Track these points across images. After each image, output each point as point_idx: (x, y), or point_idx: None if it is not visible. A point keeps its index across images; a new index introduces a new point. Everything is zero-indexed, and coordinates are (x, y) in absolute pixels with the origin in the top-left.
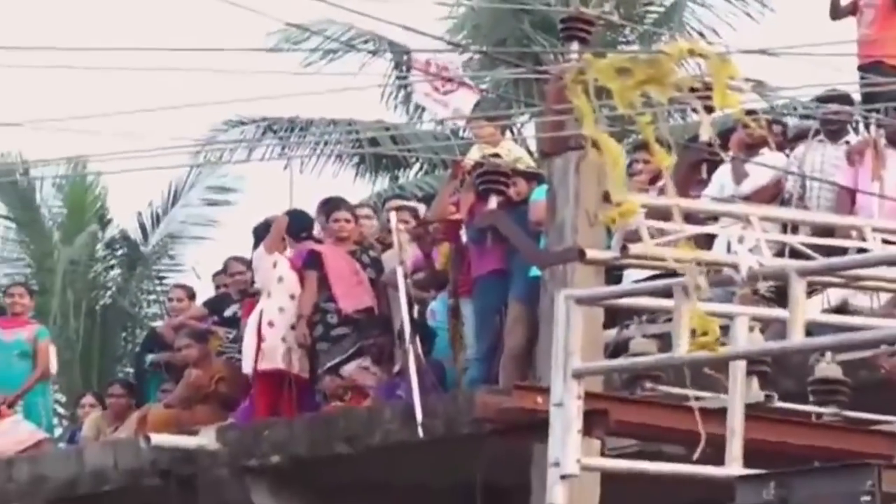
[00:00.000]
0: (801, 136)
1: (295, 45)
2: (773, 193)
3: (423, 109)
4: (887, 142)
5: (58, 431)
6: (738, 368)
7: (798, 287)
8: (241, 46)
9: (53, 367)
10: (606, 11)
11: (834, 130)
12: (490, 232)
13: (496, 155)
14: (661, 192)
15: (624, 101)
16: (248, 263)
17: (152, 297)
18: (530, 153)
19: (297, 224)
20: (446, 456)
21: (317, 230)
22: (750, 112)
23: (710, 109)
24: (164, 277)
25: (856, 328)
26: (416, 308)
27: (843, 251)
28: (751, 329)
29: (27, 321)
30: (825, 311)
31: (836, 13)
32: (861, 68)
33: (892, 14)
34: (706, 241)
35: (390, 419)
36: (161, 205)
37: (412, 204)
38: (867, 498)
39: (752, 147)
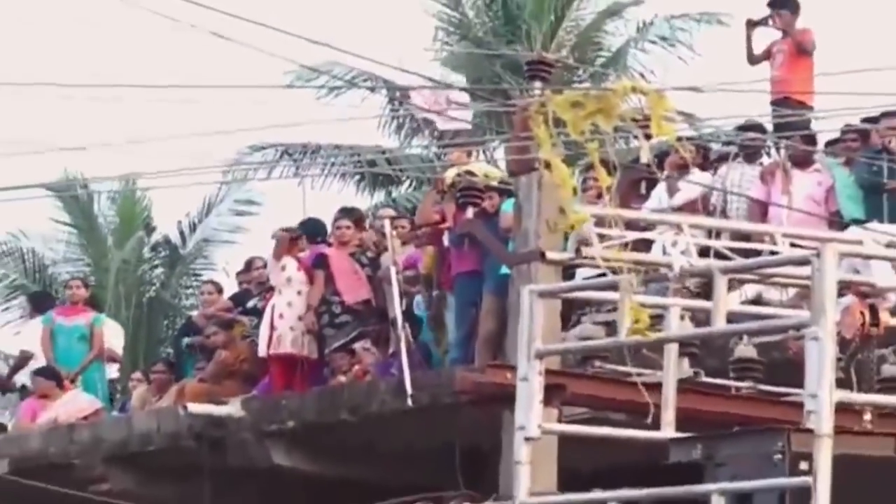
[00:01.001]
0: (724, 158)
1: (307, 83)
2: (700, 205)
3: (414, 136)
4: (793, 164)
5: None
6: (672, 350)
7: (720, 283)
8: (261, 83)
9: (119, 348)
10: (563, 56)
11: (750, 154)
12: (467, 237)
13: (471, 173)
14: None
15: (576, 129)
16: (265, 264)
17: (189, 290)
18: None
19: (312, 230)
20: (431, 422)
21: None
22: (681, 139)
23: (648, 136)
24: (199, 275)
25: (768, 317)
26: (405, 300)
27: (757, 253)
28: (682, 318)
29: (84, 309)
30: (743, 302)
31: (753, 60)
32: (773, 103)
33: (797, 58)
34: (646, 245)
35: (385, 392)
36: (197, 214)
37: (390, 212)
38: (779, 456)
39: (683, 167)
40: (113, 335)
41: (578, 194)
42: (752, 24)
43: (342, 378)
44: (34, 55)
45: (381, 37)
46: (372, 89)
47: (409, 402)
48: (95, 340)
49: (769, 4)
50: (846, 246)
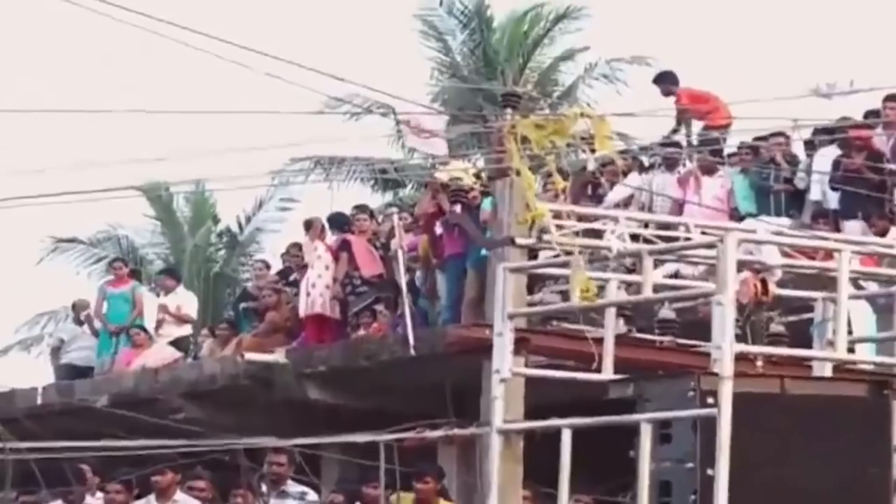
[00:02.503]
0: (651, 167)
1: (334, 110)
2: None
3: (414, 150)
4: (703, 171)
5: None
6: (611, 312)
7: (648, 262)
8: (300, 110)
9: (193, 312)
10: (528, 90)
11: (670, 164)
12: (456, 227)
13: (459, 179)
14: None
15: (539, 145)
16: (301, 247)
17: (245, 268)
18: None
19: (338, 222)
20: (428, 367)
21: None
22: (619, 152)
23: (593, 151)
24: (252, 255)
25: (683, 287)
26: (408, 275)
27: (675, 239)
28: (619, 288)
29: (127, 280)
30: (665, 276)
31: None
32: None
33: (700, 96)
34: (592, 233)
35: (393, 344)
36: (251, 210)
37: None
38: (692, 393)
39: (620, 174)
40: (188, 302)
41: (540, 194)
42: (665, 95)
43: (361, 333)
44: (121, 84)
45: (389, 74)
46: (384, 114)
47: (412, 351)
48: (137, 303)
49: (654, 81)
50: (743, 234)
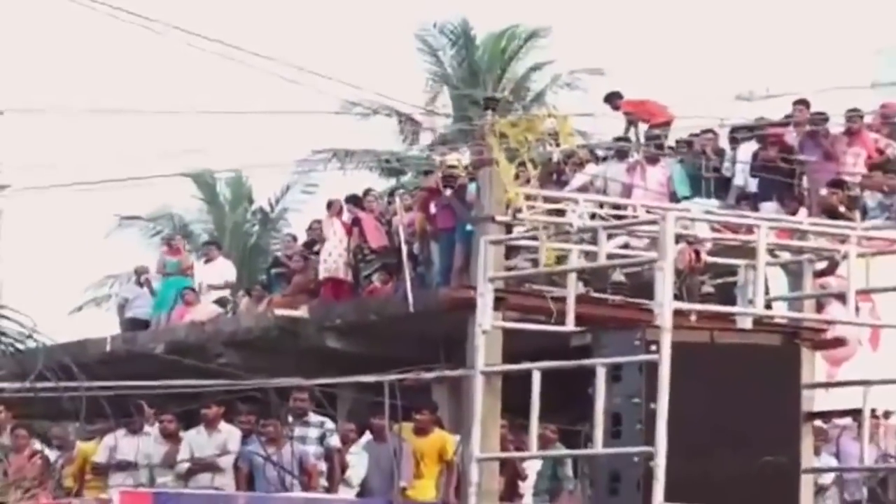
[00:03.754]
0: (605, 158)
1: (349, 111)
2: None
3: (412, 144)
4: (647, 161)
5: None
6: (572, 276)
7: (603, 235)
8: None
9: (232, 277)
10: (506, 95)
11: (621, 155)
12: (447, 206)
13: (453, 166)
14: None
15: (514, 141)
16: (321, 223)
17: (275, 240)
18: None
19: (353, 201)
20: (426, 322)
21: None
22: (579, 146)
23: (558, 145)
24: (281, 230)
25: (632, 256)
26: (408, 246)
27: (625, 217)
28: (579, 256)
29: (181, 250)
30: (617, 247)
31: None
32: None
33: (638, 103)
34: (559, 212)
35: (396, 302)
36: (280, 193)
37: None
38: (638, 342)
39: (580, 164)
40: (228, 269)
41: (515, 180)
42: (614, 109)
43: (370, 293)
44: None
45: (393, 82)
46: (388, 115)
47: (411, 309)
48: (187, 268)
49: (604, 101)
50: (679, 213)
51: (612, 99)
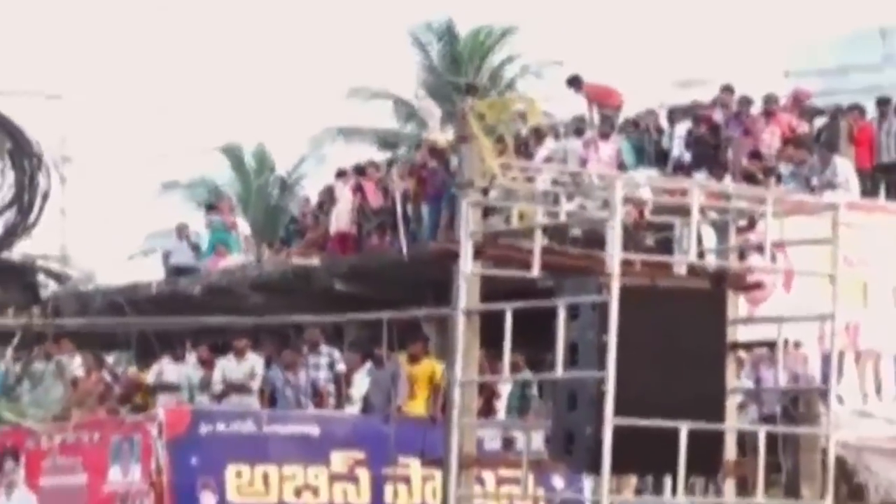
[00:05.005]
0: (566, 133)
1: (354, 95)
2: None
3: (407, 123)
4: (600, 137)
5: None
6: (538, 232)
7: (563, 198)
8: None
9: (247, 230)
10: (483, 82)
11: (579, 132)
12: (435, 174)
13: (437, 143)
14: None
15: (492, 119)
16: (331, 188)
17: (292, 203)
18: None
19: (358, 170)
20: (417, 269)
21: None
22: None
23: (526, 121)
24: (297, 194)
25: (587, 215)
26: (402, 207)
27: (582, 183)
28: (543, 216)
29: (226, 210)
30: (575, 208)
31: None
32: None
33: (598, 88)
34: (528, 179)
35: (393, 253)
36: (296, 163)
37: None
38: (592, 286)
39: (540, 139)
40: (244, 225)
41: (491, 153)
42: (576, 91)
43: (371, 246)
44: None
45: (390, 71)
46: (388, 98)
47: (405, 258)
48: (229, 223)
49: (567, 84)
50: (627, 179)
51: (574, 83)
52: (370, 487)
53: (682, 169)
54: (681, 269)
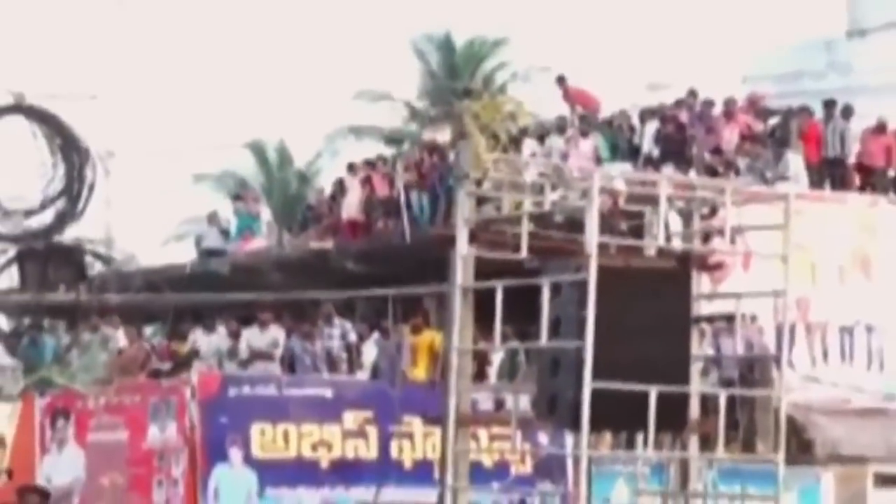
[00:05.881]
0: (549, 132)
1: (362, 97)
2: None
3: (409, 123)
4: (580, 134)
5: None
6: (525, 218)
7: (548, 188)
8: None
9: (268, 214)
10: (477, 86)
11: (561, 130)
12: (434, 168)
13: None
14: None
15: (484, 118)
16: (343, 180)
17: (310, 193)
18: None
19: (367, 164)
20: (419, 251)
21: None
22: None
23: (515, 120)
24: (314, 185)
25: (569, 203)
26: (405, 196)
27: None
28: (531, 205)
29: (251, 200)
30: (558, 197)
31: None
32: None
33: (579, 92)
34: (517, 172)
35: (398, 237)
36: (312, 158)
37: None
38: (573, 266)
39: (521, 138)
40: (267, 215)
41: (484, 149)
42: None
43: (378, 231)
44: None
45: (394, 77)
46: (392, 100)
47: (409, 242)
48: (253, 211)
49: (556, 81)
50: (603, 172)
51: (561, 81)
52: (378, 443)
53: (652, 163)
54: (651, 252)
